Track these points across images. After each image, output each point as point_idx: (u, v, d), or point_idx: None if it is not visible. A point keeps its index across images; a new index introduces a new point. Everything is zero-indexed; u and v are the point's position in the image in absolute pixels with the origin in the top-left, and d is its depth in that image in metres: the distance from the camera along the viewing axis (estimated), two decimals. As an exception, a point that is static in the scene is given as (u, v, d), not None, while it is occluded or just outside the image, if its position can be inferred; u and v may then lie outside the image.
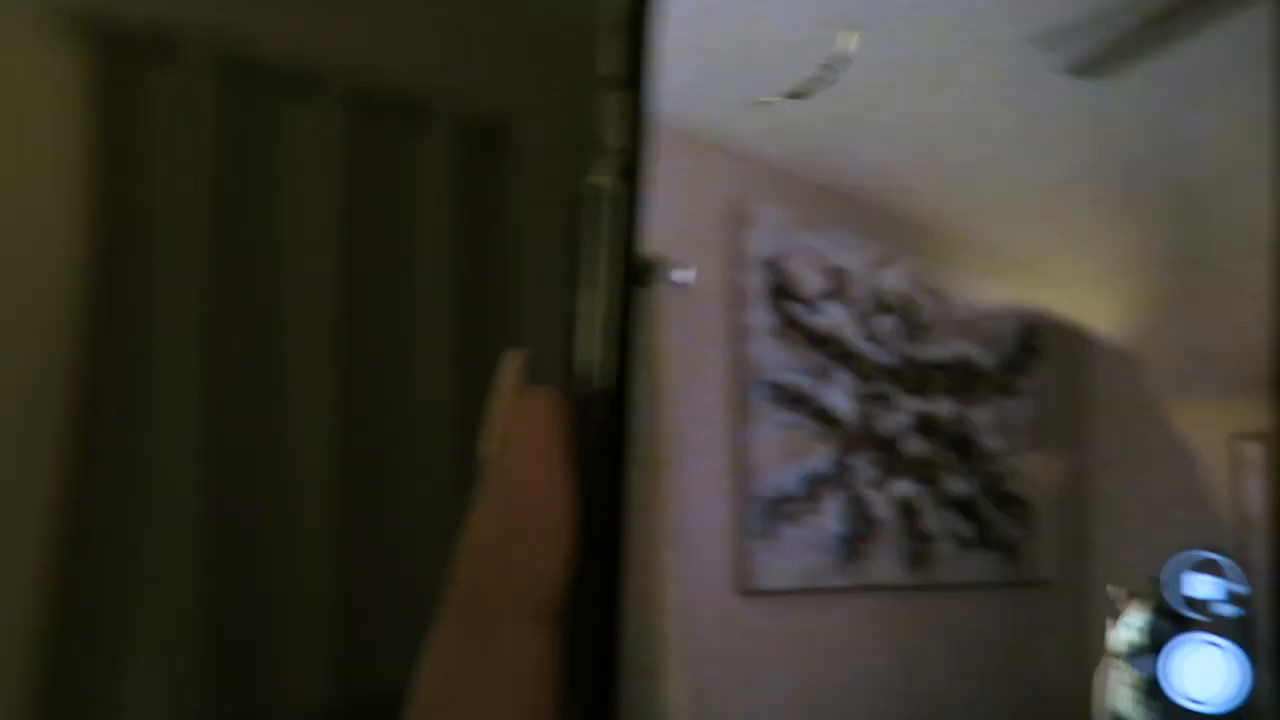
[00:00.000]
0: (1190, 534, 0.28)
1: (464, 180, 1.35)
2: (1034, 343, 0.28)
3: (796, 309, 0.28)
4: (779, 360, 0.28)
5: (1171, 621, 0.26)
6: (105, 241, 1.15)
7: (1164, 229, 0.28)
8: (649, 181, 0.25)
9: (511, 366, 0.25)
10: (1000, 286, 0.29)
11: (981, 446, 0.29)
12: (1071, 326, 0.29)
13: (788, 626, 0.27)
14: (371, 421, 1.28)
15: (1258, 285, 0.27)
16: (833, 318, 0.28)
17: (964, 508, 0.28)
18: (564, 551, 0.24)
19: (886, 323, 0.28)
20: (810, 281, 0.28)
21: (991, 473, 0.28)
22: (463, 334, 1.32)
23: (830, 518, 0.27)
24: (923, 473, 0.28)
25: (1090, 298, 0.28)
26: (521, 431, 0.24)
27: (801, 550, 0.27)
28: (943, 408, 0.29)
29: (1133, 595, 0.27)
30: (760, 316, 0.28)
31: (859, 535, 0.28)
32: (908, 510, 0.28)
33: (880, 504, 0.28)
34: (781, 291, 0.28)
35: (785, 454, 0.28)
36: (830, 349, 0.28)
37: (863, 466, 0.28)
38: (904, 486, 0.28)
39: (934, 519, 0.28)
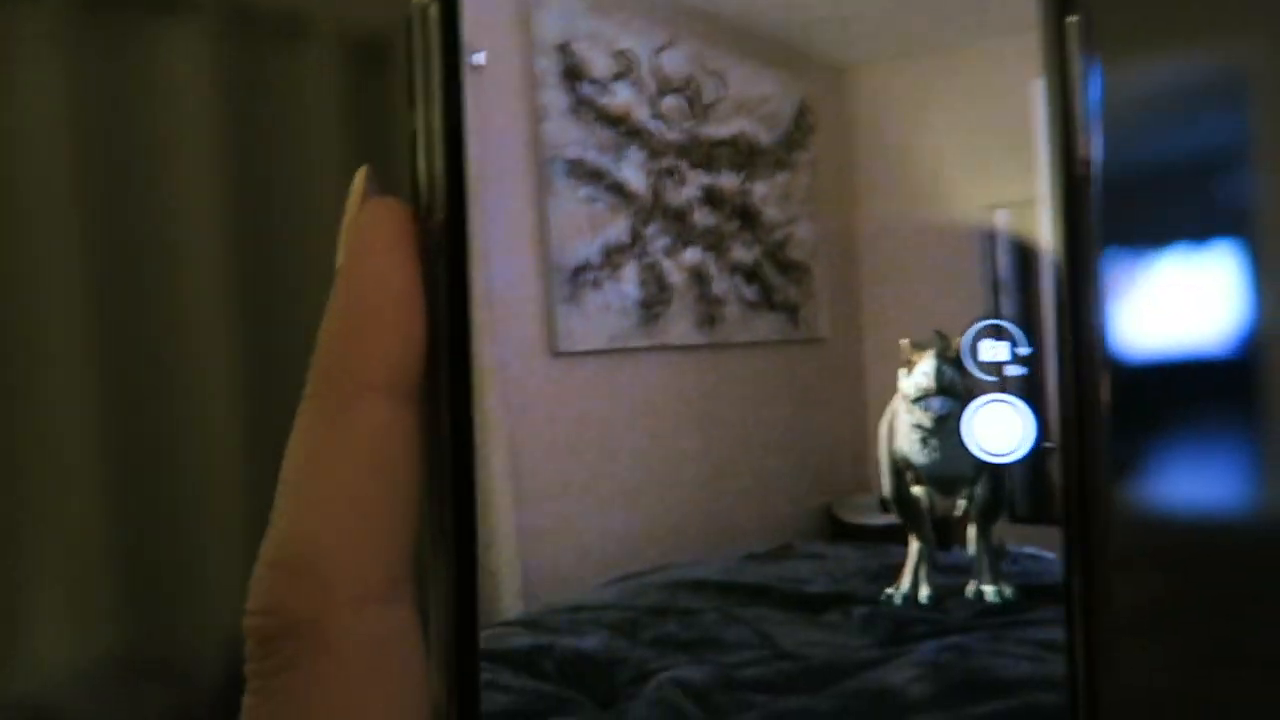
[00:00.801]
0: (956, 297, 0.31)
1: (349, 99, 1.31)
2: (809, 120, 0.31)
3: (588, 90, 0.30)
4: (574, 138, 0.30)
5: (962, 374, 0.29)
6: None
7: (937, 11, 0.30)
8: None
9: (358, 181, 0.27)
10: (778, 69, 0.31)
11: (764, 217, 0.31)
12: (844, 105, 0.31)
13: (593, 386, 0.29)
14: (275, 340, 1.25)
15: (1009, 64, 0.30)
16: (622, 97, 0.30)
17: (749, 274, 0.31)
18: (414, 331, 0.26)
19: (672, 102, 0.30)
20: (599, 64, 0.30)
21: (773, 241, 0.31)
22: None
23: (629, 284, 0.29)
24: (711, 242, 0.31)
25: (864, 79, 0.31)
26: (368, 235, 0.26)
27: (604, 314, 0.29)
28: (727, 181, 0.31)
29: (918, 346, 0.29)
30: (554, 97, 0.30)
31: (655, 300, 0.30)
32: (698, 276, 0.30)
33: (673, 271, 0.30)
34: (573, 73, 0.30)
35: (585, 226, 0.30)
36: (621, 128, 0.30)
37: (656, 236, 0.30)
38: (694, 255, 0.30)
39: (722, 284, 0.30)
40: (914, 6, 0.30)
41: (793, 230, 0.31)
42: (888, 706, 0.28)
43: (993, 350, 0.29)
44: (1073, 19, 0.28)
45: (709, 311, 0.31)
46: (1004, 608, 0.29)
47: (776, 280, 0.31)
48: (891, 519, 0.31)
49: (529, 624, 0.29)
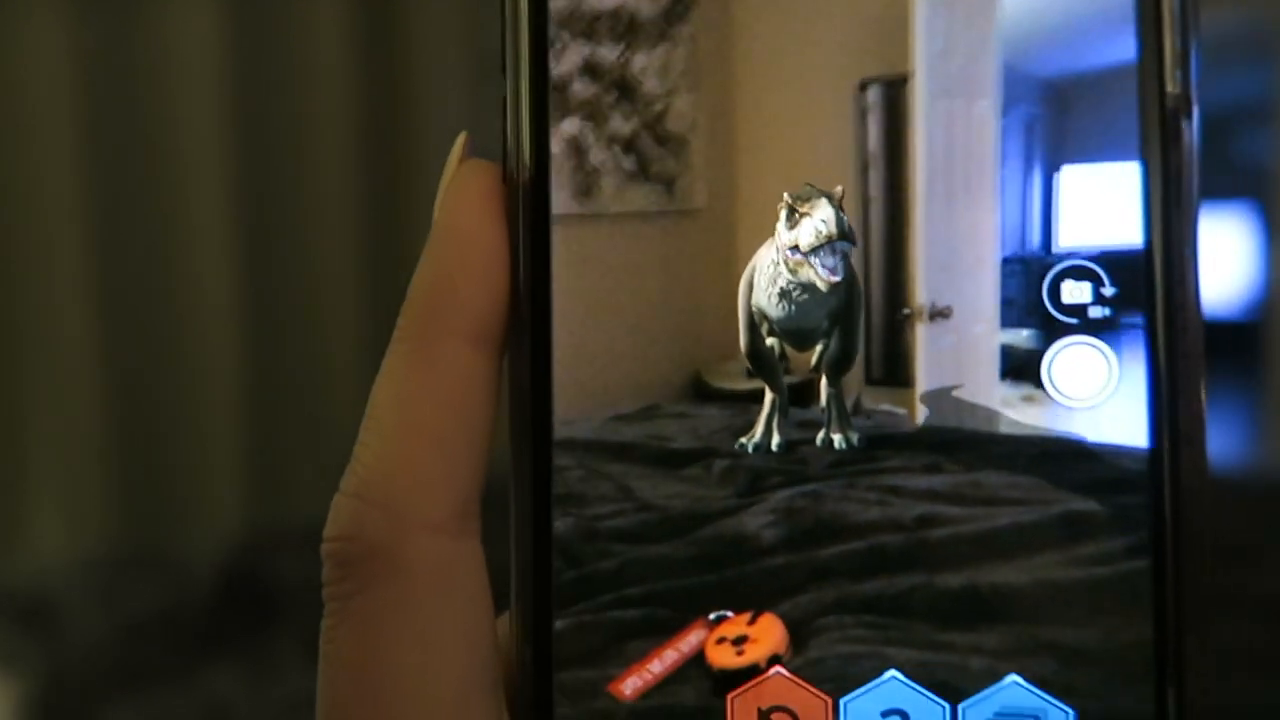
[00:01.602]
0: (828, 171, 0.32)
1: (360, 49, 1.30)
2: (690, -7, 0.31)
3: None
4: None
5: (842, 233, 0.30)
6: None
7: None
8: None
9: (458, 144, 0.30)
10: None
11: (643, 89, 0.32)
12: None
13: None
14: (275, 252, 1.26)
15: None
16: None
17: (626, 145, 0.32)
18: (500, 285, 0.28)
19: (553, -27, 0.31)
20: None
21: (652, 112, 0.32)
22: (368, 163, 1.29)
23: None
24: (590, 112, 0.31)
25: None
26: (462, 193, 0.29)
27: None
28: (607, 53, 0.32)
29: (801, 197, 0.30)
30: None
31: (533, 169, 0.31)
32: (575, 147, 0.31)
33: (553, 140, 0.31)
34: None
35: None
36: (502, -2, 0.31)
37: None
38: (571, 125, 0.31)
39: (600, 154, 0.31)
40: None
41: (671, 102, 0.32)
42: (742, 550, 0.30)
43: (1076, 291, 0.29)
44: None
45: (586, 182, 0.32)
46: (855, 454, 0.30)
47: (654, 152, 0.32)
48: (755, 385, 0.32)
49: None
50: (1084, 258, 0.29)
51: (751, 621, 0.29)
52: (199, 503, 1.30)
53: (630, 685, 0.29)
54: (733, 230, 0.32)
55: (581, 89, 0.32)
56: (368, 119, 1.29)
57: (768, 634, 0.29)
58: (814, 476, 0.30)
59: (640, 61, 0.32)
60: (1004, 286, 0.30)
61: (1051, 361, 0.29)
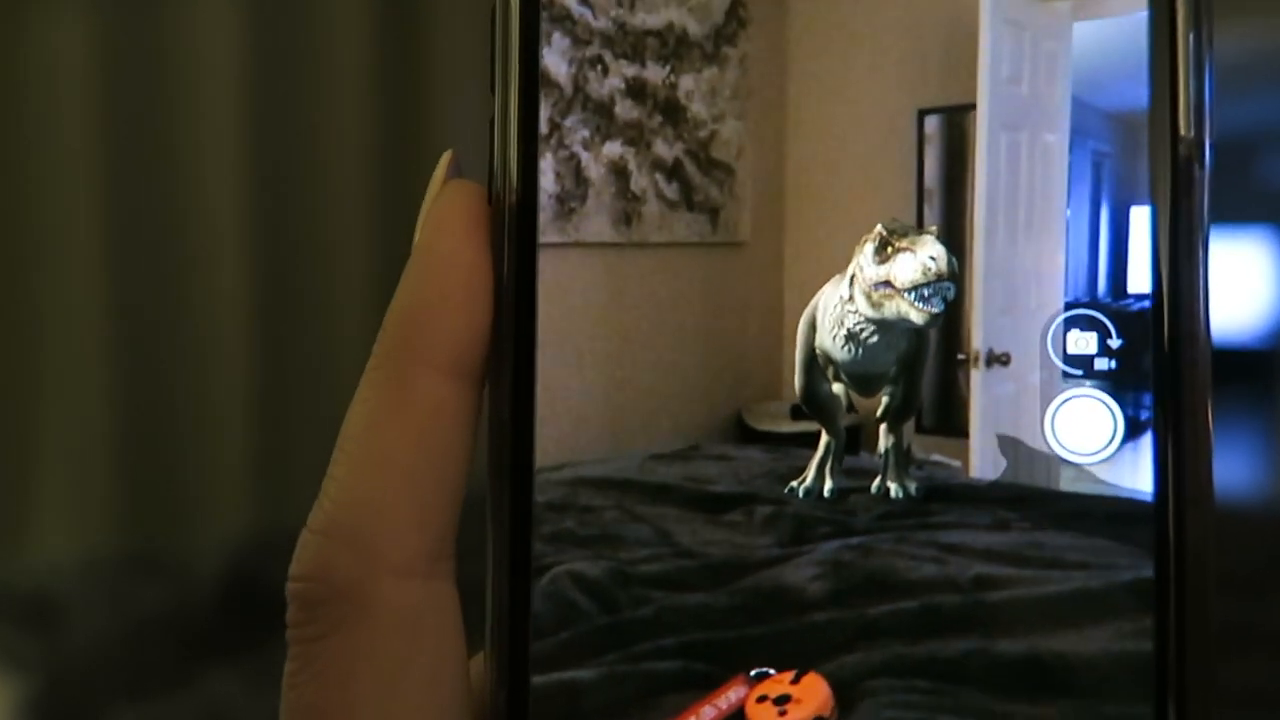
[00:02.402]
0: (882, 203, 0.31)
1: (377, 38, 1.29)
2: (742, 14, 0.30)
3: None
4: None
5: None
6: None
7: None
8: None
9: (441, 163, 0.28)
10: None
11: (689, 113, 0.30)
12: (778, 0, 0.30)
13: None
14: (288, 254, 1.25)
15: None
16: (546, -20, 0.29)
17: (670, 171, 0.30)
18: (480, 314, 0.27)
19: (599, -13, 0.29)
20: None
21: (698, 138, 0.30)
22: (386, 163, 1.28)
23: (546, 177, 0.29)
24: (633, 136, 0.30)
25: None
26: (443, 216, 0.27)
27: (517, 206, 0.29)
28: (653, 74, 0.30)
29: (896, 231, 0.28)
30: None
31: (572, 194, 0.29)
32: (618, 172, 0.30)
33: (592, 165, 0.30)
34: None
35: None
36: (546, 13, 0.29)
37: (576, 128, 0.30)
38: (614, 149, 0.30)
39: (642, 181, 0.30)
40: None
41: (718, 128, 0.31)
42: (785, 604, 0.28)
43: (1081, 341, 0.27)
44: None
45: (626, 209, 0.30)
46: (908, 506, 0.29)
47: (698, 180, 0.31)
48: (801, 427, 0.30)
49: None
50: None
51: (795, 680, 0.28)
52: (204, 505, 1.29)
53: (664, 742, 0.28)
54: (779, 265, 0.31)
55: (624, 111, 0.30)
56: (387, 118, 1.28)
57: (812, 694, 0.27)
58: (863, 528, 0.29)
59: (687, 84, 0.30)
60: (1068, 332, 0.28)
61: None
